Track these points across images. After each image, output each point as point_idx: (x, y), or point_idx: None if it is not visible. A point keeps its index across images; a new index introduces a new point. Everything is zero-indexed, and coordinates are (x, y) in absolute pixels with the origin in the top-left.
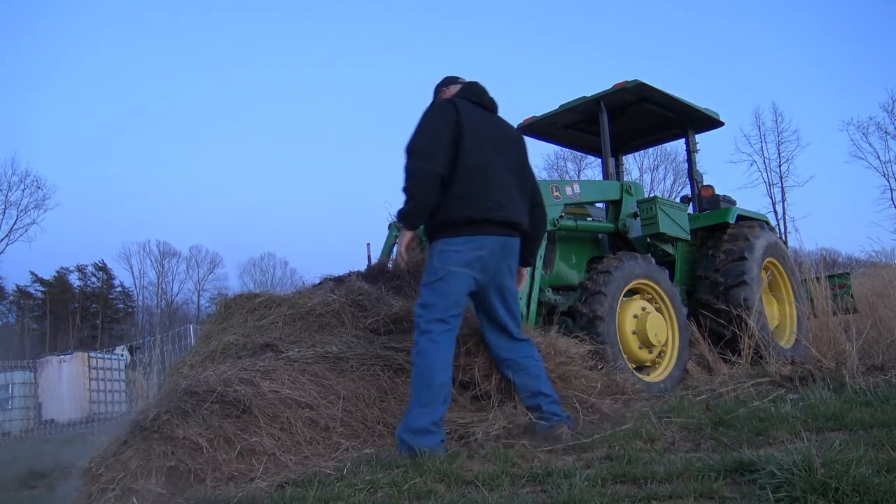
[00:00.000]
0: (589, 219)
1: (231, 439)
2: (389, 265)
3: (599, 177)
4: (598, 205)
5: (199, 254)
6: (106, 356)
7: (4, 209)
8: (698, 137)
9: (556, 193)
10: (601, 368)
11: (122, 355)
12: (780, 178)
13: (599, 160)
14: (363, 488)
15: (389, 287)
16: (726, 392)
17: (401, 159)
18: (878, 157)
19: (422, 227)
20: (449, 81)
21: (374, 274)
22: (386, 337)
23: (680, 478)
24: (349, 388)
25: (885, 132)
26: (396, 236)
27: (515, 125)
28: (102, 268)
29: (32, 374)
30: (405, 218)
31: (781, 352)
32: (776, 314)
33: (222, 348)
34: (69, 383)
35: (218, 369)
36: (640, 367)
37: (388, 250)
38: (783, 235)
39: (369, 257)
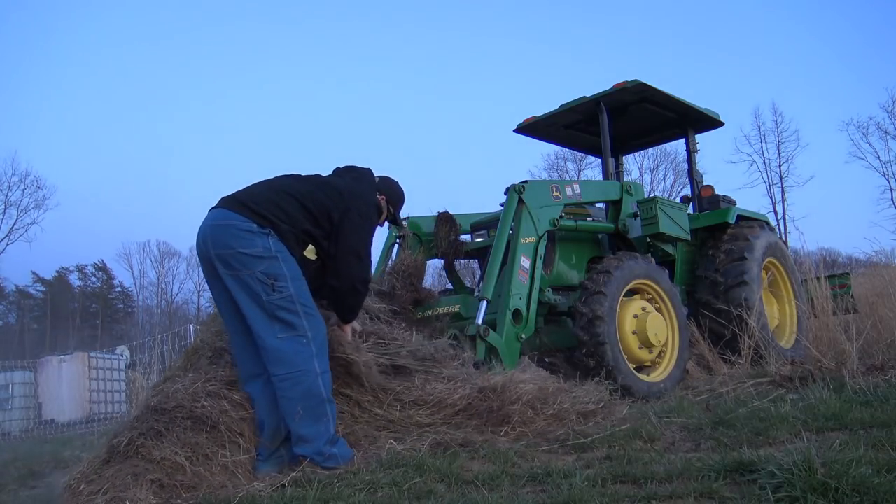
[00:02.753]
0: (589, 219)
1: (209, 455)
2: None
3: (599, 177)
4: (598, 205)
5: None
6: (106, 356)
7: (4, 209)
8: (698, 137)
9: (556, 193)
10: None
11: (122, 355)
12: (780, 178)
13: (599, 160)
14: (363, 488)
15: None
16: (726, 392)
17: (402, 158)
18: (878, 157)
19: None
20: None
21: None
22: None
23: (680, 478)
24: None
25: (885, 132)
26: (396, 236)
27: (516, 125)
28: (102, 268)
29: (32, 374)
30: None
31: (781, 352)
32: (776, 314)
33: (195, 351)
34: (69, 383)
35: (186, 379)
36: (640, 367)
37: (387, 251)
38: (783, 235)
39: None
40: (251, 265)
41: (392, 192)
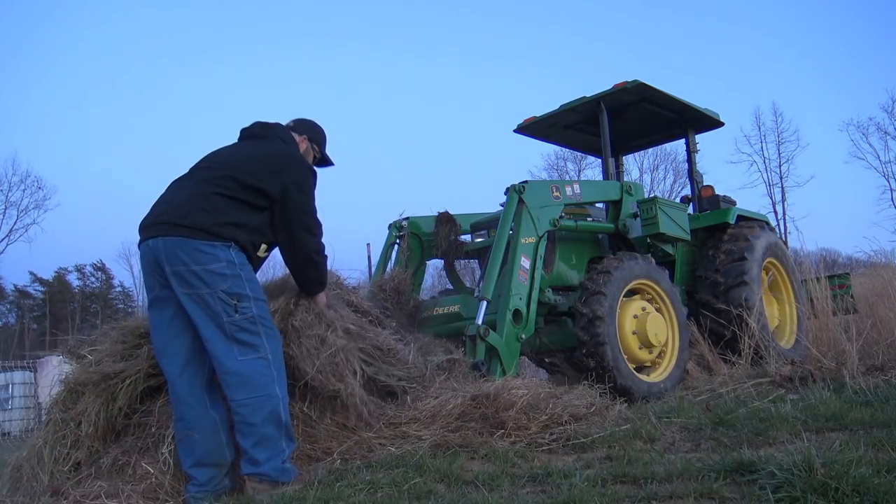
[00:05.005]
0: (589, 219)
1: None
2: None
3: (599, 177)
4: (598, 205)
5: None
6: None
7: (5, 209)
8: (698, 137)
9: (556, 193)
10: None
11: None
12: (780, 178)
13: (599, 160)
14: (363, 488)
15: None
16: (726, 392)
17: (402, 158)
18: (878, 157)
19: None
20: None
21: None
22: None
23: (680, 478)
24: None
25: (885, 133)
26: (396, 236)
27: (516, 126)
28: (101, 268)
29: (32, 374)
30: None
31: (781, 352)
32: (776, 314)
33: None
34: None
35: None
36: (641, 368)
37: (386, 251)
38: (783, 236)
39: (369, 257)
40: (215, 283)
41: (313, 132)
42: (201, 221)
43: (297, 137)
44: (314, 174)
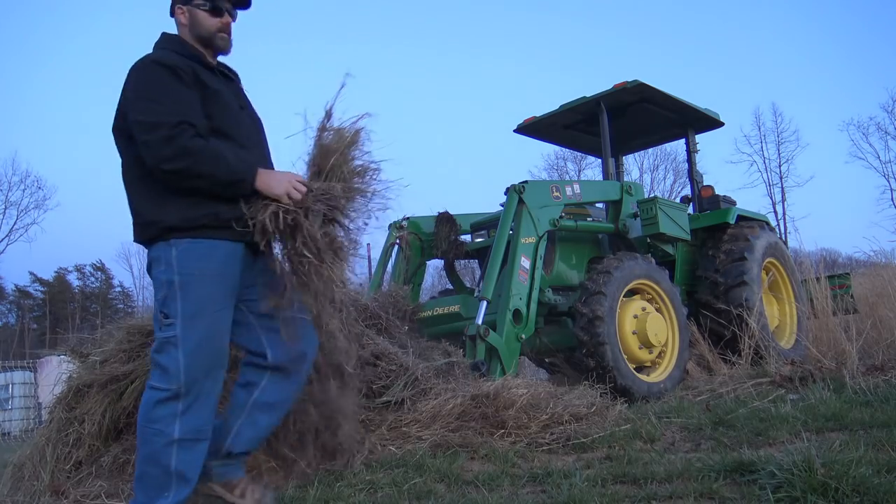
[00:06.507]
0: (589, 219)
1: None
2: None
3: (599, 177)
4: (598, 205)
5: None
6: None
7: (5, 209)
8: (698, 137)
9: (556, 193)
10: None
11: None
12: (780, 178)
13: (599, 160)
14: (363, 488)
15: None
16: (726, 392)
17: (402, 158)
18: (878, 157)
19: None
20: None
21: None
22: None
23: (680, 478)
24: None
25: (885, 132)
26: (396, 236)
27: (516, 125)
28: (100, 268)
29: (32, 374)
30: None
31: (781, 352)
32: (776, 314)
33: None
34: None
35: None
36: (641, 368)
37: (386, 251)
38: (783, 236)
39: (369, 258)
40: (155, 291)
41: None
42: (146, 227)
43: (176, 11)
44: (141, 67)
